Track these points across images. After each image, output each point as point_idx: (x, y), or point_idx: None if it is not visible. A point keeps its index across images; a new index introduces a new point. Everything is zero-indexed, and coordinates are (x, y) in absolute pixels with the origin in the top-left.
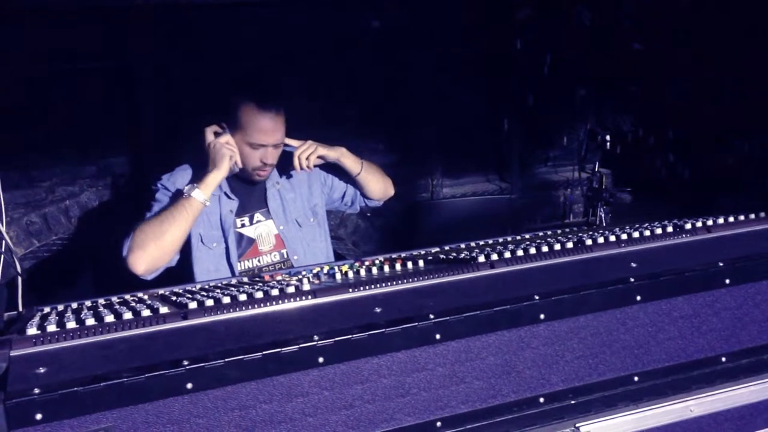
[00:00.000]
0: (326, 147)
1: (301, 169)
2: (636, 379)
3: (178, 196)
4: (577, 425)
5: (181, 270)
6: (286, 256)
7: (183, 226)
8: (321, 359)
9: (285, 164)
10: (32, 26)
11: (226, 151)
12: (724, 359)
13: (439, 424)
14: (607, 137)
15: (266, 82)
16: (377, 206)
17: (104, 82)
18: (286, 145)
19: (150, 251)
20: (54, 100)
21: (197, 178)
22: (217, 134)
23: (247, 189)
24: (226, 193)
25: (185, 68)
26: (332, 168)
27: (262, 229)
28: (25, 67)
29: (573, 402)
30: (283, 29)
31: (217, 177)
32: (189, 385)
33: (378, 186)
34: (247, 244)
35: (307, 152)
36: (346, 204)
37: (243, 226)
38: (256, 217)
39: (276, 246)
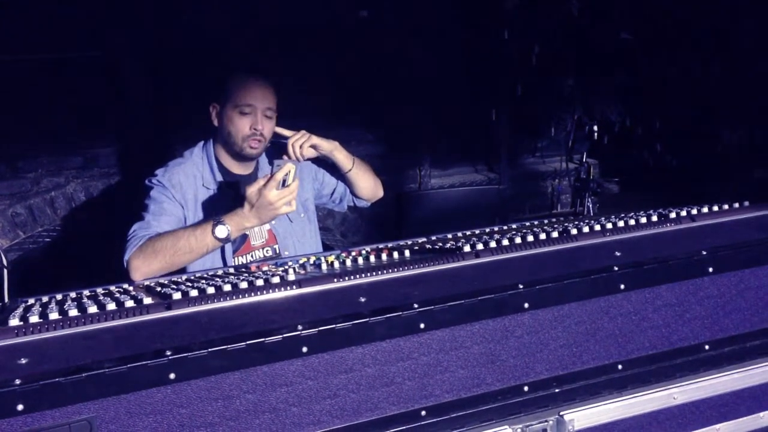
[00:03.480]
0: (320, 138)
1: (295, 158)
2: (620, 367)
3: (205, 223)
4: (561, 413)
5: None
6: (277, 251)
7: (196, 258)
8: (305, 349)
9: (278, 155)
10: (17, 15)
11: (284, 209)
12: (707, 347)
13: (423, 412)
14: (595, 127)
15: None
16: (365, 206)
17: (91, 71)
18: (279, 135)
19: (154, 267)
20: (40, 90)
21: (195, 177)
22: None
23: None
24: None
25: (173, 58)
26: (324, 164)
27: None
28: (9, 56)
29: (557, 390)
30: (271, 19)
31: (253, 225)
32: (172, 376)
33: (368, 185)
34: (240, 240)
35: (301, 140)
36: (334, 201)
37: None
38: None
39: (268, 241)
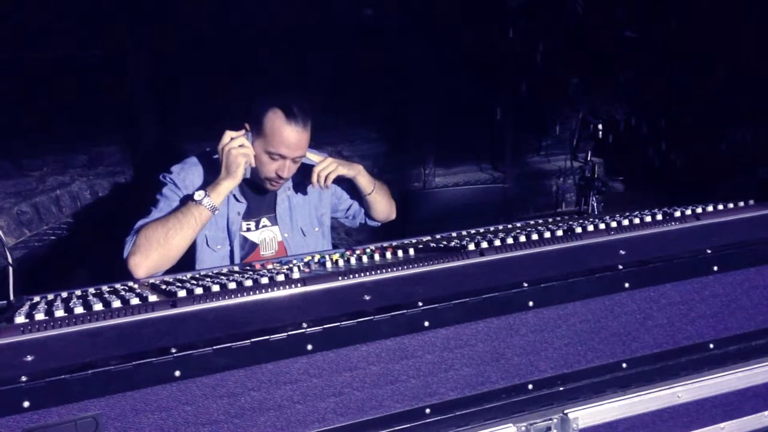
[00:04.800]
0: (345, 165)
1: (318, 187)
2: (624, 365)
3: (186, 201)
4: (565, 412)
5: (183, 270)
6: None
7: (190, 235)
8: (310, 347)
9: (301, 176)
10: (22, 13)
11: (241, 158)
12: (711, 346)
13: (428, 410)
14: (600, 126)
15: (298, 93)
16: (376, 226)
17: (93, 70)
18: (306, 157)
19: (152, 258)
20: (45, 88)
21: (207, 180)
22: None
23: (256, 193)
24: (234, 196)
25: (177, 55)
26: (344, 181)
27: (266, 234)
28: (14, 54)
29: (561, 389)
30: (271, 19)
31: (230, 185)
32: (177, 373)
33: (384, 208)
34: (250, 248)
35: (327, 170)
36: (348, 217)
37: (248, 230)
38: (263, 222)
39: (278, 253)
